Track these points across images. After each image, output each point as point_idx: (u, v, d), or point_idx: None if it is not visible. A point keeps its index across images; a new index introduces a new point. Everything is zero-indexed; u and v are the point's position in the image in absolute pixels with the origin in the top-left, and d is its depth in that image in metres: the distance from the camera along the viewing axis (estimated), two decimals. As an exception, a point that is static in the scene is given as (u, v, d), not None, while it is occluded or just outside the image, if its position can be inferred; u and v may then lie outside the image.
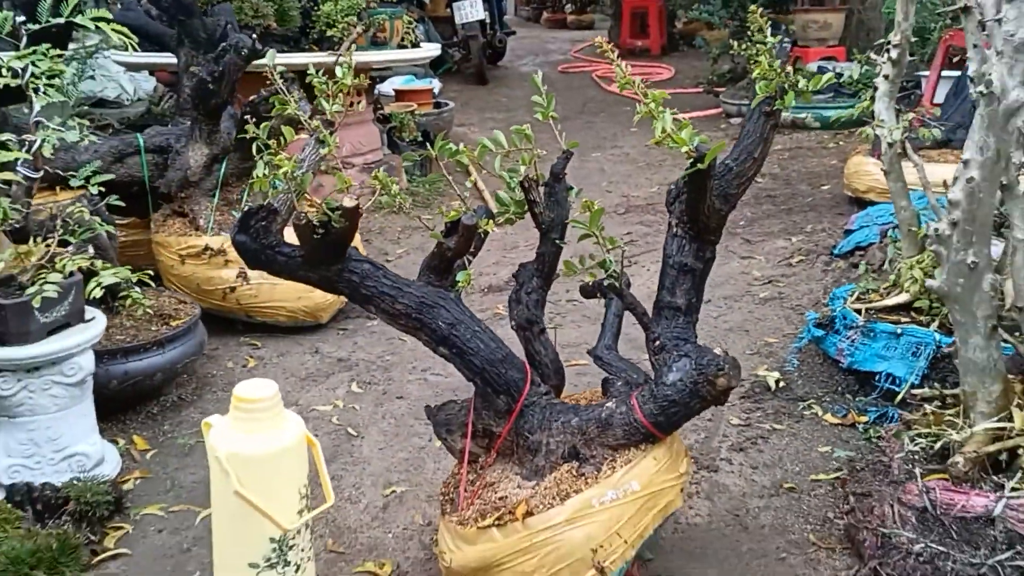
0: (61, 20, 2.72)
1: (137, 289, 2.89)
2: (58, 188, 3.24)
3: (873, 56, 3.20)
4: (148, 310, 3.01)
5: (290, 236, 2.11)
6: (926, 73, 6.27)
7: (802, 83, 2.02)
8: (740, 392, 3.18)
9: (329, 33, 4.88)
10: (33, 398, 2.54)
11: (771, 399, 3.12)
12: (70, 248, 2.65)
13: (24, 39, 2.75)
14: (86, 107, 5.19)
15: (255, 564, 1.99)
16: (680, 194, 2.09)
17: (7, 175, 2.55)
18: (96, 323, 2.67)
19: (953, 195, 2.09)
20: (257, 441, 1.97)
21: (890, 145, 3.06)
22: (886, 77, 3.07)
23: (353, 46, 4.52)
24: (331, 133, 2.12)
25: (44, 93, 2.74)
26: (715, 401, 2.03)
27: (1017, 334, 2.34)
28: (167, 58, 4.62)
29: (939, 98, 5.82)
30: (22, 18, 2.73)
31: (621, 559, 1.97)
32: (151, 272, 3.05)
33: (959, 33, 6.59)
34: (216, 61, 3.57)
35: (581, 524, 1.96)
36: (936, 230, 2.16)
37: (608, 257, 2.18)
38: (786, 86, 2.02)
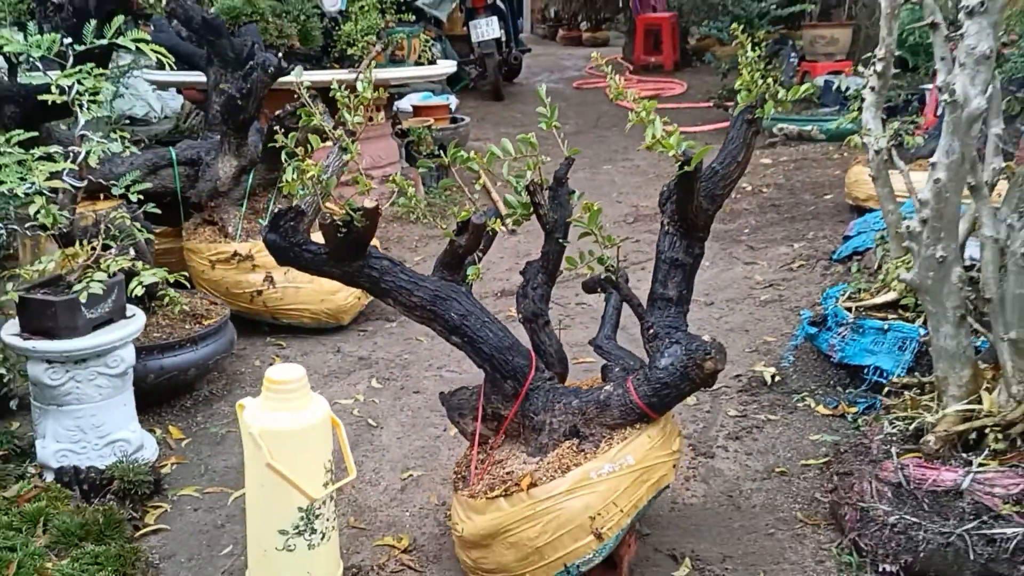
0: (104, 41, 2.96)
1: (173, 290, 3.11)
2: (102, 196, 3.47)
3: (861, 69, 3.39)
4: (185, 307, 3.23)
5: (316, 237, 2.32)
6: (930, 86, 6.44)
7: (781, 93, 2.21)
8: (738, 386, 3.36)
9: (350, 52, 5.12)
10: (80, 388, 2.76)
11: (767, 392, 3.30)
12: (113, 250, 2.86)
13: (71, 59, 2.99)
14: (121, 124, 5.44)
15: (285, 531, 2.20)
16: (671, 195, 2.29)
17: (56, 183, 2.77)
18: (136, 319, 2.88)
19: (923, 195, 2.28)
20: (286, 418, 2.18)
21: (877, 152, 3.25)
22: (872, 89, 3.26)
23: (373, 63, 4.73)
24: (353, 142, 2.32)
25: (88, 109, 2.99)
26: (703, 383, 2.22)
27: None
28: (197, 76, 4.86)
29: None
30: (69, 40, 2.95)
31: (617, 526, 2.16)
32: (185, 274, 3.27)
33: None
34: (244, 79, 3.80)
35: (580, 494, 2.14)
36: (908, 228, 2.35)
37: (605, 253, 2.38)
38: (766, 96, 2.21)
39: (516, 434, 2.40)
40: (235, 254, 3.81)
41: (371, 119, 5.62)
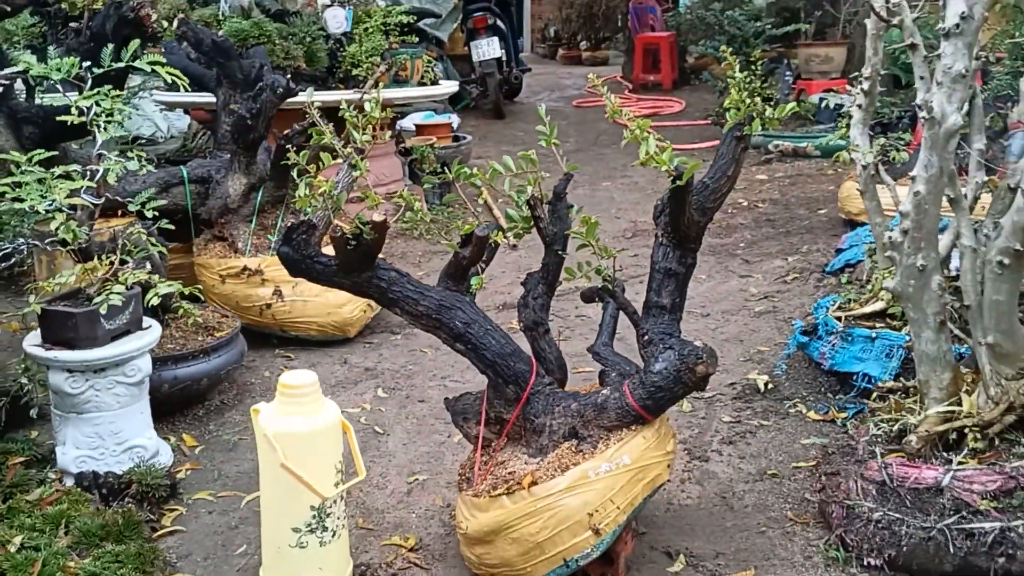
0: (123, 64, 3.09)
1: (187, 303, 3.23)
2: (119, 212, 3.59)
3: (849, 88, 3.52)
4: (198, 318, 3.35)
5: (327, 250, 2.44)
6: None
7: (768, 112, 2.34)
8: (732, 393, 3.48)
9: (355, 72, 5.26)
10: (99, 396, 2.87)
11: (760, 399, 3.42)
12: (130, 264, 2.99)
13: (89, 81, 3.12)
14: (128, 143, 5.59)
15: (298, 529, 2.31)
16: (664, 208, 2.42)
17: (76, 200, 2.90)
18: (152, 330, 3.00)
19: (903, 207, 2.41)
20: (299, 421, 2.30)
21: (864, 168, 3.38)
22: (859, 106, 3.40)
23: (380, 84, 4.89)
24: (362, 159, 2.45)
25: (105, 129, 3.12)
26: (695, 386, 2.34)
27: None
28: (205, 97, 5.01)
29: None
30: (88, 63, 3.08)
31: (614, 523, 2.27)
32: (199, 287, 3.39)
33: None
34: (254, 99, 3.94)
35: (579, 492, 2.26)
36: (890, 238, 2.47)
37: (603, 264, 2.50)
38: (754, 114, 2.34)
39: (518, 436, 2.52)
40: (245, 269, 3.94)
41: (375, 137, 5.77)
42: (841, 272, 4.43)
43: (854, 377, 3.24)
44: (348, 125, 2.68)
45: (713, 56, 11.42)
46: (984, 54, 3.35)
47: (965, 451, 2.41)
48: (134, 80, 5.62)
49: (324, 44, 5.40)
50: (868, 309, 3.35)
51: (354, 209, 5.51)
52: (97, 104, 3.06)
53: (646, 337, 2.43)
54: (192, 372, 3.34)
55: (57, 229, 2.85)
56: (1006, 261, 2.31)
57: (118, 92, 3.23)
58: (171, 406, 3.36)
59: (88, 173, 3.07)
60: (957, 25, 2.25)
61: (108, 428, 2.91)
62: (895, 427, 2.56)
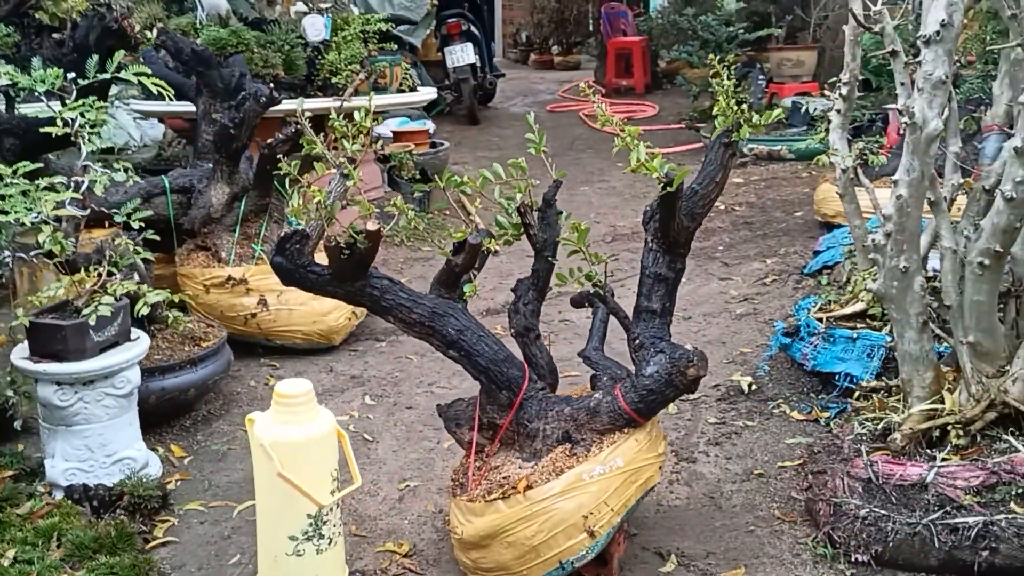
0: (108, 75, 3.09)
1: (177, 312, 3.23)
2: (107, 224, 3.58)
3: (827, 92, 3.58)
4: (190, 326, 3.35)
5: (318, 258, 2.46)
6: (893, 106, 6.68)
7: (755, 118, 2.38)
8: (717, 395, 3.52)
9: (334, 80, 5.27)
10: (88, 408, 2.87)
11: (744, 400, 3.46)
12: (118, 275, 2.99)
13: (74, 92, 3.12)
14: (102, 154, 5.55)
15: (294, 537, 2.33)
16: (654, 214, 2.45)
17: (65, 212, 2.90)
18: (141, 341, 3.00)
19: (886, 210, 2.46)
20: (295, 430, 2.31)
21: (843, 171, 3.44)
22: (838, 111, 3.46)
23: (371, 93, 4.90)
24: (355, 168, 2.47)
25: (90, 140, 3.12)
26: (686, 389, 2.38)
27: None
28: (185, 106, 4.99)
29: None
30: (72, 74, 3.08)
31: (608, 524, 2.31)
32: (188, 295, 3.39)
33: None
34: (237, 108, 3.94)
35: (573, 495, 2.29)
36: (874, 241, 2.52)
37: (594, 270, 2.54)
38: (741, 121, 2.38)
39: (511, 441, 2.54)
40: (229, 278, 3.94)
41: (365, 146, 5.77)
42: (819, 274, 4.50)
43: (836, 377, 3.30)
44: (338, 135, 2.69)
45: (685, 60, 11.54)
46: (956, 59, 3.43)
47: (948, 448, 2.47)
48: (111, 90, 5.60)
49: (303, 52, 5.40)
50: (849, 310, 3.42)
51: (341, 216, 5.52)
52: (82, 115, 3.07)
53: (637, 341, 2.47)
54: (179, 383, 3.33)
55: (45, 241, 2.85)
56: (986, 262, 2.37)
57: (103, 103, 3.24)
58: (158, 417, 3.35)
59: (73, 184, 3.07)
60: (937, 32, 2.31)
61: (97, 440, 2.90)
62: (880, 426, 2.61)
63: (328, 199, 2.40)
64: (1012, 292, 2.55)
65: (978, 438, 2.48)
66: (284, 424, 2.32)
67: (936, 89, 2.36)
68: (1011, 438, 2.44)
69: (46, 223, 2.88)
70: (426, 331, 2.48)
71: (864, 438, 2.62)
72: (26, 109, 3.79)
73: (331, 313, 4.01)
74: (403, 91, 5.76)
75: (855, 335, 3.28)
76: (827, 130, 3.49)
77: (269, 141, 3.96)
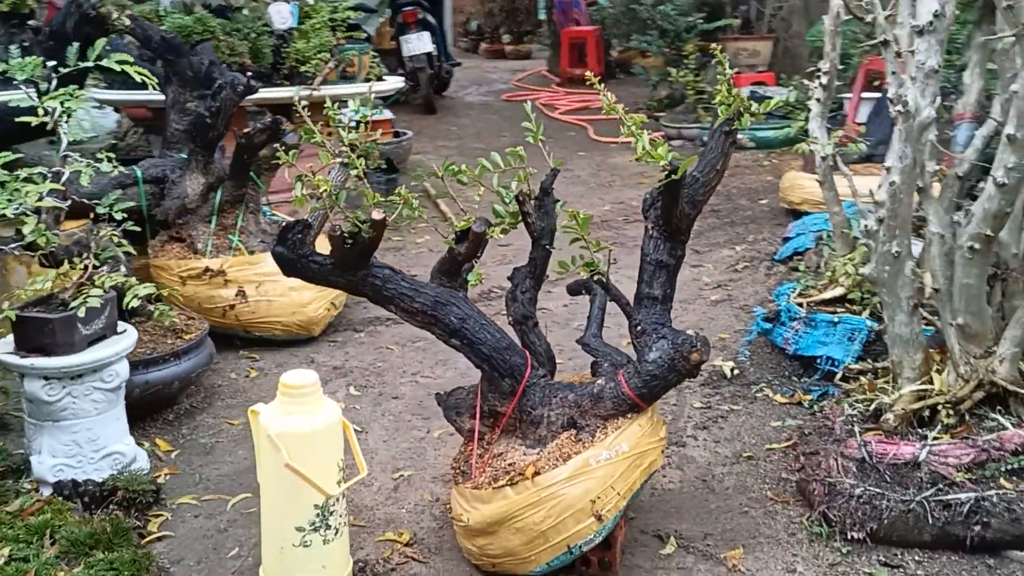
0: (91, 63, 3.03)
1: (161, 305, 3.19)
2: (91, 215, 3.50)
3: (806, 82, 3.65)
4: (175, 320, 3.31)
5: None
6: (849, 95, 6.81)
7: (755, 107, 2.42)
8: (700, 380, 3.57)
9: (303, 69, 5.22)
10: (76, 403, 2.81)
11: (727, 385, 3.52)
12: (105, 267, 2.93)
13: (54, 81, 3.05)
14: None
15: (301, 528, 2.32)
16: (655, 201, 2.48)
17: (49, 203, 2.84)
18: (129, 334, 2.96)
19: (879, 196, 2.52)
20: (302, 421, 2.30)
21: (823, 159, 3.51)
22: (818, 100, 3.53)
23: (363, 82, 4.89)
24: (359, 157, 2.46)
25: (70, 130, 3.06)
26: (689, 374, 2.42)
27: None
28: (151, 95, 4.90)
29: (860, 117, 6.34)
30: (53, 63, 3.01)
31: (615, 509, 2.33)
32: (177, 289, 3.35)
33: (877, 59, 7.17)
34: (214, 97, 3.89)
35: (581, 480, 2.31)
36: (866, 227, 2.58)
37: (596, 258, 2.56)
38: (741, 110, 2.42)
39: (511, 429, 2.56)
40: (207, 270, 3.89)
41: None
42: (790, 260, 4.58)
43: (818, 360, 3.37)
44: (332, 124, 2.68)
45: (645, 49, 11.62)
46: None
47: (939, 427, 2.54)
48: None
49: (269, 40, 5.34)
50: (828, 295, 3.49)
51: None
52: (62, 105, 3.01)
53: (639, 328, 2.49)
54: (163, 376, 3.29)
55: (29, 233, 2.79)
56: (976, 246, 2.44)
57: (82, 92, 3.17)
58: (142, 411, 3.30)
59: (53, 175, 3.01)
60: (931, 23, 2.37)
61: (86, 435, 2.85)
62: (871, 407, 2.68)
63: (332, 189, 2.38)
64: (998, 275, 2.63)
65: (967, 417, 2.55)
66: (290, 415, 2.31)
67: (928, 78, 2.43)
68: (999, 416, 2.52)
69: (27, 215, 2.82)
70: (428, 320, 2.48)
71: (855, 419, 2.68)
72: (7, 98, 3.70)
73: (311, 304, 3.98)
74: (370, 80, 5.72)
75: (836, 319, 3.35)
76: (807, 119, 3.55)
77: (246, 130, 3.92)
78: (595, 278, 2.62)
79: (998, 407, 2.55)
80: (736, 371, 3.59)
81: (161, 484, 2.94)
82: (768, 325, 3.58)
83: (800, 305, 3.49)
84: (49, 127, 3.07)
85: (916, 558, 2.44)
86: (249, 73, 3.94)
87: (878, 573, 2.40)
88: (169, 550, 2.65)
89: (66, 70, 3.02)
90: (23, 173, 2.90)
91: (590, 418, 2.43)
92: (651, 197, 2.51)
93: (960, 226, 2.51)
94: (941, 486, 2.43)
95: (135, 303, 2.85)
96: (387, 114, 7.72)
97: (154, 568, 2.51)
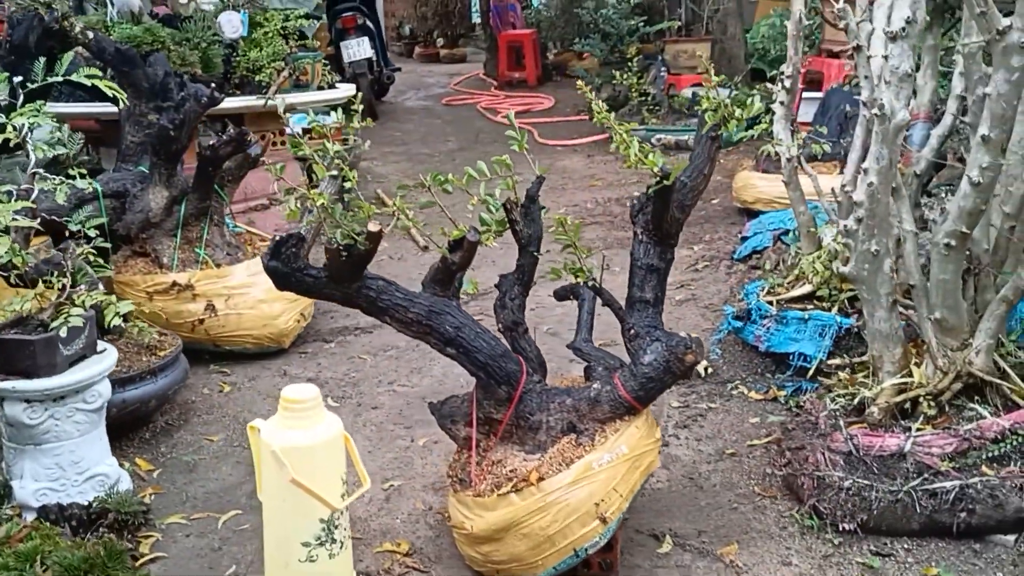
0: (59, 78, 2.97)
1: (139, 322, 3.14)
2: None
3: (769, 86, 3.74)
4: (155, 336, 3.26)
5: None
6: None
7: (737, 113, 2.48)
8: (675, 380, 3.64)
9: (257, 78, 5.16)
10: (59, 425, 2.76)
11: (702, 384, 3.59)
12: (83, 287, 2.88)
13: (21, 96, 2.99)
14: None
15: (307, 543, 2.31)
16: (643, 207, 2.53)
17: (25, 222, 2.77)
18: (110, 353, 2.90)
19: (857, 196, 2.60)
20: (306, 435, 2.29)
21: (788, 160, 3.60)
22: (782, 103, 3.62)
23: (319, 90, 4.83)
24: (351, 169, 2.45)
25: (37, 147, 3.00)
26: (683, 375, 2.47)
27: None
28: (100, 107, 4.80)
29: (803, 116, 6.50)
30: (19, 78, 2.95)
31: (618, 510, 2.37)
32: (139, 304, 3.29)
33: (816, 59, 7.37)
34: (177, 109, 3.83)
35: (585, 484, 2.35)
36: (845, 226, 2.66)
37: (588, 263, 2.60)
38: (726, 116, 2.48)
39: (508, 435, 2.58)
40: (174, 284, 3.83)
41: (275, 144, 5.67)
42: (749, 258, 4.68)
43: (790, 357, 3.45)
44: (316, 136, 2.69)
45: (575, 52, 11.75)
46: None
47: (920, 418, 2.63)
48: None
49: (219, 50, 5.26)
50: (797, 292, 3.58)
51: (255, 216, 5.43)
52: (29, 121, 2.95)
53: (632, 331, 2.54)
54: (140, 394, 3.24)
55: (5, 253, 2.72)
56: (952, 243, 2.54)
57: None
58: (118, 430, 3.23)
59: (25, 193, 2.95)
60: (903, 28, 2.46)
61: (68, 458, 2.80)
62: (853, 401, 2.76)
63: (327, 200, 2.38)
64: (972, 270, 2.73)
65: (946, 407, 2.65)
66: (292, 429, 2.30)
67: (902, 82, 2.51)
68: (977, 406, 2.62)
69: (5, 232, 2.75)
70: (423, 330, 2.49)
71: (838, 413, 2.76)
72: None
73: (281, 316, 3.95)
74: (322, 88, 5.69)
75: (806, 316, 3.44)
76: (771, 121, 3.64)
77: (211, 143, 3.87)
78: (590, 285, 2.65)
79: (976, 397, 2.65)
80: (710, 369, 3.66)
81: (148, 504, 2.90)
82: (739, 323, 3.66)
83: (770, 303, 3.58)
84: (12, 143, 3.01)
85: (906, 546, 2.53)
86: (213, 84, 3.87)
87: (871, 562, 2.48)
88: (165, 571, 2.61)
89: (34, 85, 2.96)
90: (-7, 190, 2.84)
91: (588, 422, 2.47)
92: (639, 203, 2.56)
93: (935, 224, 2.60)
94: (927, 476, 2.52)
95: (117, 321, 2.80)
96: (331, 120, 7.68)
97: (152, 590, 2.48)
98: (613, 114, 2.61)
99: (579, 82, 2.91)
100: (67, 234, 3.05)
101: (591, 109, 7.43)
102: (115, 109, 4.19)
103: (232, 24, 5.28)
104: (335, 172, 2.51)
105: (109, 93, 3.02)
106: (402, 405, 3.55)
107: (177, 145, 3.89)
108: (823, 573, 2.48)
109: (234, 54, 5.41)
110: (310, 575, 2.32)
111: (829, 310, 3.45)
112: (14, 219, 2.80)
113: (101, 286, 3.03)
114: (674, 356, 2.41)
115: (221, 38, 5.32)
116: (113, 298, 2.89)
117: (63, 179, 2.90)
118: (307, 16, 6.17)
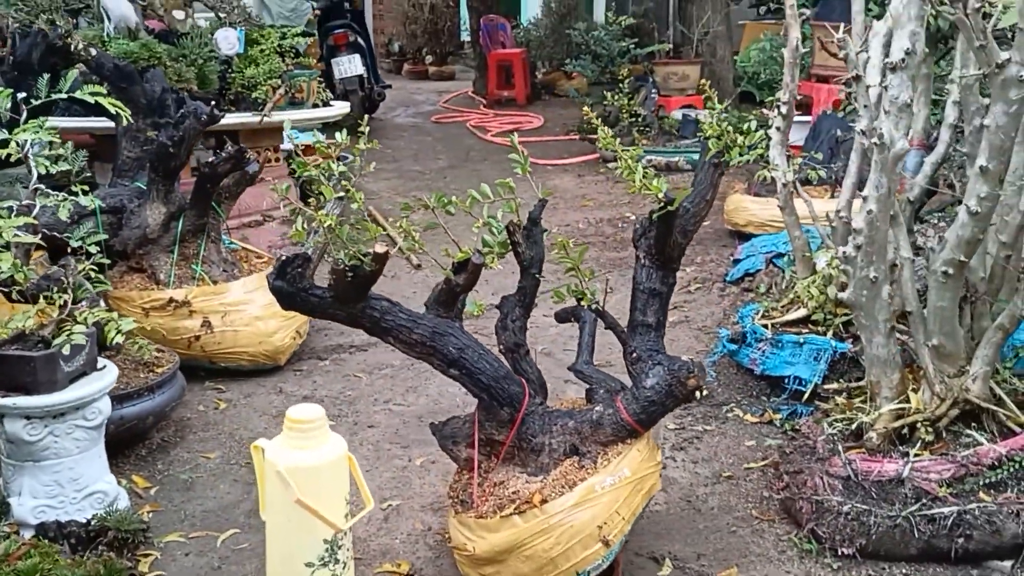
0: (64, 95, 2.98)
1: (140, 339, 3.13)
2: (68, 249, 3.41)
3: (765, 111, 3.79)
4: (154, 353, 3.26)
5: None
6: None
7: (740, 140, 2.51)
8: (671, 402, 3.66)
9: (253, 95, 5.17)
10: (58, 442, 2.75)
11: (698, 406, 3.61)
12: (83, 303, 2.88)
13: (24, 113, 2.99)
14: None
15: (311, 564, 2.32)
16: (646, 231, 2.56)
17: (26, 238, 2.77)
18: (110, 370, 2.90)
19: (856, 224, 2.64)
20: (311, 455, 2.30)
21: (784, 185, 3.65)
22: (778, 129, 3.66)
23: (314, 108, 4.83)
24: (357, 190, 2.47)
25: (39, 163, 3.00)
26: (685, 399, 2.49)
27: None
28: (96, 122, 4.80)
29: (792, 140, 6.57)
30: (23, 94, 2.95)
31: (620, 533, 2.39)
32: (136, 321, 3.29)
33: (805, 83, 7.45)
34: (176, 126, 3.84)
35: (588, 506, 2.36)
36: (844, 253, 2.70)
37: (590, 287, 2.62)
38: (728, 143, 2.51)
39: (510, 457, 2.59)
40: (171, 301, 3.82)
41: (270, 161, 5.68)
42: (741, 281, 4.72)
43: (785, 380, 3.48)
44: (321, 156, 2.71)
45: (564, 72, 11.83)
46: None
47: (918, 444, 2.66)
48: None
49: (215, 66, 5.27)
50: (792, 316, 3.61)
51: (249, 234, 5.42)
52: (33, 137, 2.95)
53: (634, 355, 2.56)
54: (138, 411, 3.23)
55: (7, 269, 2.72)
56: (950, 271, 2.57)
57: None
58: (115, 447, 3.21)
59: (27, 209, 2.95)
60: (903, 59, 2.50)
61: (67, 475, 2.79)
62: (851, 426, 2.79)
63: (334, 222, 2.39)
64: (968, 298, 2.77)
65: (943, 433, 2.68)
66: (297, 449, 2.31)
67: (901, 112, 2.56)
68: (973, 432, 2.65)
69: (7, 248, 2.75)
70: (427, 351, 2.50)
71: (836, 438, 2.78)
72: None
73: (277, 333, 3.95)
74: (317, 106, 5.70)
75: (802, 340, 3.47)
76: (767, 146, 3.68)
77: (210, 160, 3.88)
78: (594, 308, 2.68)
79: (972, 423, 2.68)
80: (705, 392, 3.67)
81: (147, 522, 2.89)
82: (734, 346, 3.69)
83: (765, 326, 3.61)
84: (13, 159, 3.01)
85: (904, 571, 2.56)
86: (212, 101, 3.88)
87: (869, 586, 2.51)
88: (163, 590, 2.61)
89: (38, 102, 2.97)
90: (-4, 206, 2.84)
91: (591, 444, 2.48)
92: (642, 227, 2.59)
93: (930, 250, 2.64)
94: (925, 501, 2.54)
95: (119, 339, 2.79)
96: (322, 137, 7.69)
97: (153, 609, 2.47)
98: (618, 139, 2.63)
99: (585, 108, 2.93)
100: (68, 250, 3.04)
101: (581, 129, 7.56)
102: (111, 124, 4.20)
103: (228, 41, 5.29)
104: (342, 194, 2.51)
105: (112, 111, 3.02)
106: (398, 424, 3.56)
107: (176, 162, 3.89)
108: (822, 597, 2.50)
109: (230, 71, 5.42)
110: (312, 595, 2.33)
111: (824, 334, 3.48)
112: (16, 235, 2.81)
113: (102, 303, 3.03)
114: (676, 380, 2.43)
115: (217, 55, 5.33)
116: (115, 315, 2.88)
117: (66, 195, 2.89)
118: (302, 34, 6.18)
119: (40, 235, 3.03)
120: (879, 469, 2.62)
